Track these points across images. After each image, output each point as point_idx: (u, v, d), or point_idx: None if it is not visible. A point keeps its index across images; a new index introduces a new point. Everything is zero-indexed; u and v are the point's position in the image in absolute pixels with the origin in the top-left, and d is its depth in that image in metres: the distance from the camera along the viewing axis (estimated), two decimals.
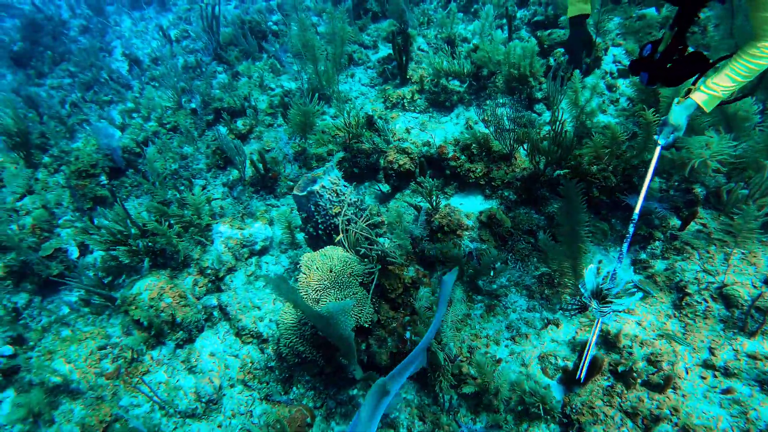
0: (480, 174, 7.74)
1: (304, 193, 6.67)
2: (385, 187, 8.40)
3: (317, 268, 6.11)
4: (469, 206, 7.70)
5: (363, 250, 6.34)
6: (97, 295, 7.95)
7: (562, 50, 9.52)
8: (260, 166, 9.02)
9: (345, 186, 6.95)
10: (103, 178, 10.32)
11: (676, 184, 6.90)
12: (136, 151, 10.63)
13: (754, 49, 4.32)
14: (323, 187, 6.68)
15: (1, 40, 17.60)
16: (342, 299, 5.85)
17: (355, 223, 6.62)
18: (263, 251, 8.28)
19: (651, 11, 10.02)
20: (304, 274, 6.13)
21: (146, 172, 9.93)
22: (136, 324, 7.39)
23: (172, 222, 8.28)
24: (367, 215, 6.91)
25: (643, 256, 6.48)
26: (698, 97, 4.70)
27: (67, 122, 12.34)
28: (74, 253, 9.14)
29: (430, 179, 7.01)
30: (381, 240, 7.14)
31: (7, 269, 8.75)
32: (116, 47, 16.78)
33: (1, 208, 9.62)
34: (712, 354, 5.42)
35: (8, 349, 7.83)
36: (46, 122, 12.33)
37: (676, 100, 4.89)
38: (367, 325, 5.90)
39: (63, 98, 14.19)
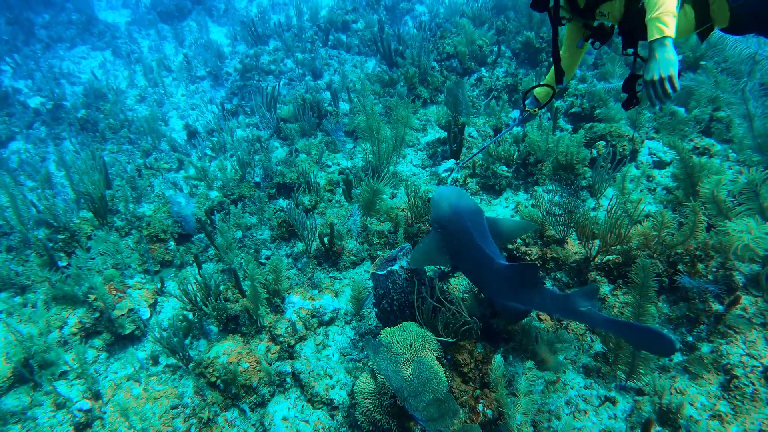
0: (535, 257, 8.02)
1: (384, 272, 7.02)
2: (446, 267, 8.57)
3: (398, 342, 6.34)
4: None
5: (439, 326, 6.64)
6: (175, 356, 8.12)
7: (603, 143, 9.91)
8: (326, 240, 9.24)
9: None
10: (172, 244, 10.61)
11: (715, 270, 7.13)
12: (203, 219, 10.85)
13: None
14: (402, 267, 7.01)
15: (64, 106, 17.96)
16: (420, 372, 6.01)
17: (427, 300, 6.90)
18: (330, 322, 8.46)
19: (680, 109, 10.50)
20: (386, 347, 6.32)
21: (215, 238, 10.14)
22: (211, 386, 7.59)
23: (244, 289, 8.40)
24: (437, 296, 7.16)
25: (690, 338, 6.72)
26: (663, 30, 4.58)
27: (138, 188, 12.65)
28: (145, 313, 9.32)
29: None
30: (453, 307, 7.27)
31: (80, 325, 8.97)
32: (172, 117, 17.15)
33: (85, 268, 9.72)
34: None
35: (86, 404, 7.99)
36: (119, 186, 12.65)
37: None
38: (441, 397, 5.98)
39: (126, 163, 14.44)
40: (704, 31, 4.85)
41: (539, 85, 6.30)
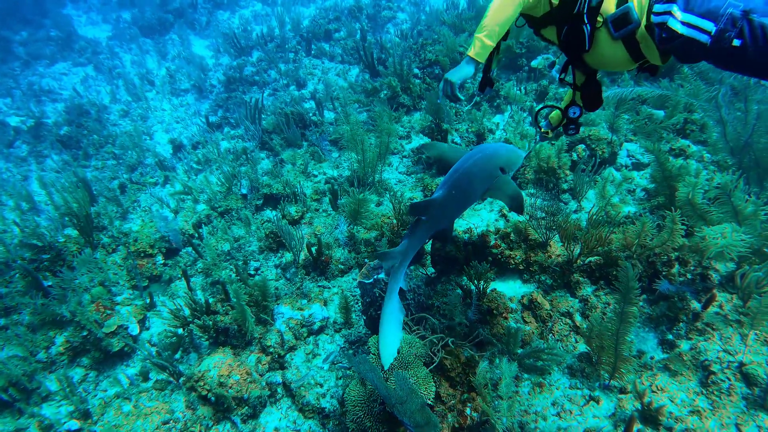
0: (520, 260, 8.25)
1: (371, 281, 7.21)
2: (431, 270, 8.80)
3: None
4: (510, 290, 8.18)
5: (423, 332, 6.85)
6: (165, 371, 8.26)
7: (583, 146, 10.19)
8: (314, 250, 9.41)
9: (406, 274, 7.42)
10: (160, 259, 10.72)
11: (693, 269, 7.39)
12: (190, 233, 11.03)
13: None
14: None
15: (46, 123, 18.04)
16: (408, 378, 6.20)
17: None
18: (320, 330, 8.62)
19: (658, 112, 10.73)
20: (374, 355, 6.54)
21: (203, 252, 10.34)
22: (203, 400, 7.70)
23: (233, 303, 8.50)
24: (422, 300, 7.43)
25: (670, 336, 6.96)
26: (470, 51, 4.99)
27: (123, 204, 12.82)
28: (135, 329, 9.42)
29: (479, 264, 7.43)
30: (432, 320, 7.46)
31: (67, 345, 9.09)
32: (157, 131, 17.25)
33: (71, 288, 9.80)
34: (739, 430, 5.83)
35: (75, 424, 8.10)
36: (105, 203, 12.82)
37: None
38: (430, 402, 6.22)
39: (110, 180, 14.59)
40: (651, 66, 4.99)
41: (547, 106, 6.44)
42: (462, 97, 5.39)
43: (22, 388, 8.48)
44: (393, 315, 6.57)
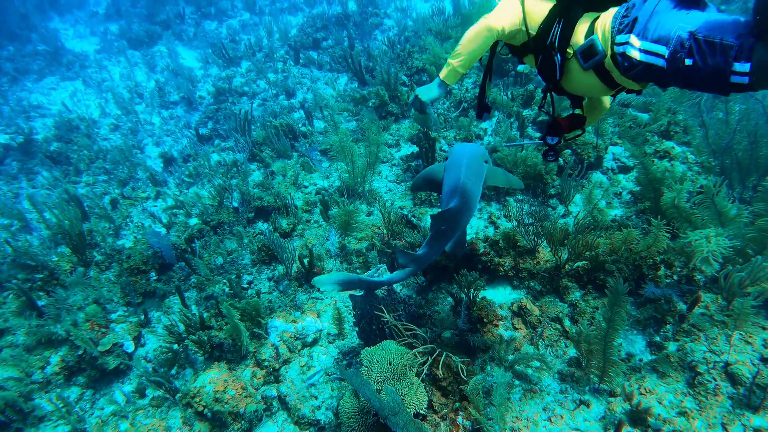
0: (509, 267, 8.37)
1: (361, 293, 7.32)
2: (420, 278, 8.90)
3: (377, 362, 6.66)
4: (499, 297, 8.30)
5: (414, 343, 6.96)
6: (161, 388, 8.32)
7: (569, 151, 10.32)
8: (306, 261, 9.53)
9: (397, 286, 7.55)
10: (153, 275, 10.80)
11: (679, 270, 7.57)
12: (183, 248, 11.08)
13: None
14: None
15: (35, 140, 18.04)
16: (401, 389, 6.38)
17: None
18: (314, 343, 8.71)
19: (643, 115, 10.89)
20: (366, 367, 6.66)
21: (196, 267, 10.40)
22: (199, 416, 7.78)
23: (227, 318, 8.53)
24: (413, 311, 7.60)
25: (657, 338, 7.10)
26: (442, 73, 5.27)
27: (115, 221, 12.87)
28: (130, 347, 9.49)
29: (468, 272, 7.54)
30: (422, 329, 7.58)
31: (62, 364, 9.14)
32: (147, 144, 17.26)
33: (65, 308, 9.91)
34: (725, 430, 5.96)
35: None
36: (97, 220, 12.83)
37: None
38: (422, 412, 6.39)
39: (101, 195, 14.64)
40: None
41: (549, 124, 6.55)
42: (430, 112, 5.72)
43: (18, 409, 8.51)
44: (355, 277, 6.99)
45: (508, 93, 12.96)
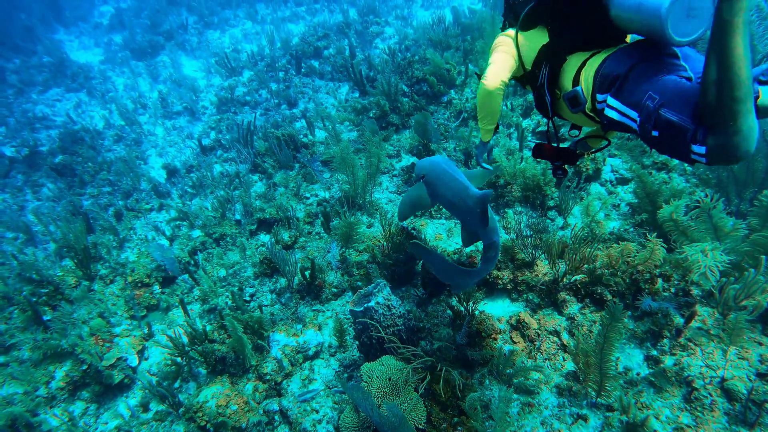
0: (507, 280, 8.39)
1: (361, 309, 7.33)
2: (420, 291, 8.94)
3: (377, 377, 6.69)
4: (498, 309, 8.30)
5: (414, 360, 6.95)
6: (165, 402, 8.35)
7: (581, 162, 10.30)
8: (307, 274, 9.53)
9: (396, 300, 7.56)
10: (157, 288, 10.82)
11: (676, 283, 7.58)
12: (186, 260, 11.12)
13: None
14: (378, 303, 7.32)
15: (41, 152, 18.07)
16: (400, 404, 6.42)
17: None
18: (315, 355, 8.71)
19: None
20: (366, 382, 6.69)
21: (199, 279, 10.41)
22: (202, 430, 7.78)
23: (230, 331, 8.52)
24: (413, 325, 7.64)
25: (654, 352, 7.07)
26: (482, 137, 5.76)
27: (119, 233, 12.86)
28: (134, 361, 9.49)
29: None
30: (422, 343, 7.73)
31: (67, 379, 9.12)
32: (151, 155, 17.27)
33: (70, 322, 9.91)
34: None
35: None
36: (101, 232, 12.92)
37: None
38: (421, 427, 6.40)
39: (105, 207, 14.67)
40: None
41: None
42: (489, 167, 6.00)
43: (26, 423, 8.49)
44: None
45: (508, 103, 12.97)
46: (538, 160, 10.08)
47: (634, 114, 3.93)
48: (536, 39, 5.02)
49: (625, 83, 4.05)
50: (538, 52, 5.01)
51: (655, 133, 3.72)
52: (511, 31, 5.26)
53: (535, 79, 5.10)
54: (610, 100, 4.19)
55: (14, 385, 9.15)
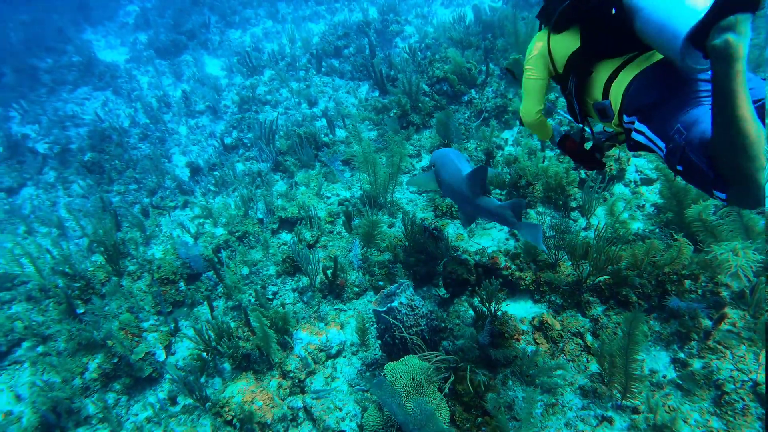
0: (529, 282, 8.21)
1: (384, 309, 7.18)
2: (442, 291, 8.77)
3: (401, 377, 6.53)
4: (521, 310, 8.11)
5: (435, 360, 6.80)
6: (192, 396, 8.22)
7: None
8: (329, 273, 9.39)
9: (419, 301, 7.43)
10: (182, 285, 10.70)
11: (704, 284, 7.31)
12: (210, 257, 10.95)
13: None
14: (401, 303, 7.18)
15: (71, 149, 18.05)
16: (422, 406, 6.13)
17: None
18: (338, 354, 8.59)
19: None
20: (390, 381, 6.51)
21: (223, 277, 10.26)
22: (228, 424, 7.69)
23: (255, 328, 8.55)
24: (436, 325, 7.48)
25: (682, 355, 6.83)
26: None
27: (146, 231, 12.74)
28: (161, 355, 9.45)
29: (490, 283, 7.37)
30: (444, 343, 7.52)
31: (100, 371, 9.07)
32: (174, 153, 17.18)
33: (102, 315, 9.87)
34: None
35: None
36: (128, 229, 12.88)
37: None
38: (445, 427, 6.16)
39: (132, 204, 14.63)
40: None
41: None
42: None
43: (66, 409, 8.53)
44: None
45: None
46: (561, 158, 9.91)
47: (661, 144, 3.79)
48: (567, 43, 4.82)
49: (654, 110, 3.90)
50: (568, 59, 4.82)
51: (680, 168, 3.60)
52: (544, 35, 5.10)
53: (565, 85, 4.93)
54: (638, 125, 4.04)
55: (53, 374, 9.16)
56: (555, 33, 4.92)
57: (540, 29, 5.34)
